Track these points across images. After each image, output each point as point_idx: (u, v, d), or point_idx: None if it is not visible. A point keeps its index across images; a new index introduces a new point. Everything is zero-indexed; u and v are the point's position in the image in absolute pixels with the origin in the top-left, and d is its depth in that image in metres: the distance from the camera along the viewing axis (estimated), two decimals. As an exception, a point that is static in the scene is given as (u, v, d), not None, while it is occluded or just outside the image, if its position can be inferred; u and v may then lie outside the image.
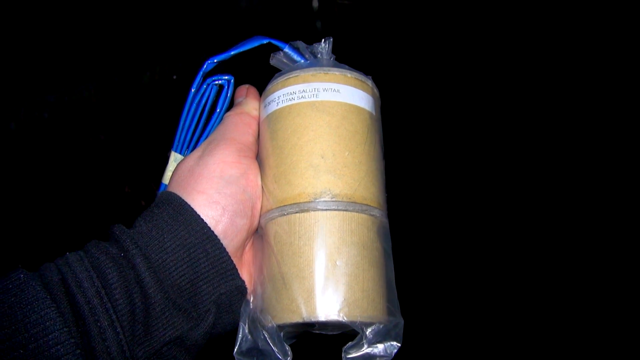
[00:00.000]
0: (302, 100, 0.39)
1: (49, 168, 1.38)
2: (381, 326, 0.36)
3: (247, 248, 0.41)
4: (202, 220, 0.36)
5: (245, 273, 0.40)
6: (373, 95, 0.42)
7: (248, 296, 0.39)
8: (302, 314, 0.35)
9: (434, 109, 1.58)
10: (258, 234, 0.40)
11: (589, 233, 1.37)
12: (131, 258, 0.34)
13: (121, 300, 0.33)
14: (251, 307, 0.38)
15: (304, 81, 0.40)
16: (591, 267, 1.33)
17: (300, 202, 0.37)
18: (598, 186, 1.43)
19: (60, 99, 1.45)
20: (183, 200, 0.37)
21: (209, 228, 0.36)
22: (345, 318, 0.35)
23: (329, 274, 0.35)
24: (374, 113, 0.42)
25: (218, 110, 0.45)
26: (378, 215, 0.39)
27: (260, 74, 0.47)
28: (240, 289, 0.38)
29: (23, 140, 1.41)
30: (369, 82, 0.42)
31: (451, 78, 1.60)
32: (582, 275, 1.33)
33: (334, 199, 0.37)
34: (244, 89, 0.44)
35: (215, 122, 0.45)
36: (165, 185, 0.45)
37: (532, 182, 1.47)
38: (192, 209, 0.37)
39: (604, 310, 1.27)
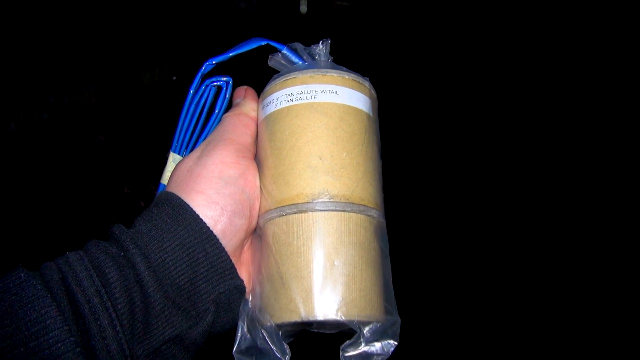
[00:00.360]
0: (300, 101, 0.40)
1: (48, 168, 1.39)
2: (378, 325, 0.36)
3: (246, 248, 0.41)
4: (201, 220, 0.36)
5: (244, 272, 0.40)
6: (370, 97, 0.43)
7: (247, 295, 0.39)
8: (301, 313, 0.35)
9: (431, 110, 1.58)
10: (256, 234, 0.41)
11: (586, 234, 1.37)
12: (131, 257, 0.34)
13: (121, 299, 0.33)
14: (250, 306, 0.39)
15: (302, 83, 0.40)
16: (589, 267, 1.33)
17: (298, 203, 0.37)
18: (597, 186, 1.43)
19: (59, 99, 1.45)
20: (182, 200, 0.37)
21: (208, 228, 0.36)
22: (343, 317, 0.35)
23: (327, 274, 0.36)
24: (371, 114, 0.42)
25: (216, 111, 0.45)
26: (375, 215, 0.39)
27: (258, 76, 0.47)
28: (239, 288, 0.38)
29: (23, 140, 1.41)
30: (367, 84, 0.43)
31: (449, 80, 1.61)
32: (579, 275, 1.33)
33: (331, 200, 0.37)
34: (242, 90, 0.45)
35: (213, 123, 0.45)
36: (164, 185, 0.45)
37: (529, 183, 1.47)
38: (191, 208, 0.37)
39: (603, 310, 1.27)
